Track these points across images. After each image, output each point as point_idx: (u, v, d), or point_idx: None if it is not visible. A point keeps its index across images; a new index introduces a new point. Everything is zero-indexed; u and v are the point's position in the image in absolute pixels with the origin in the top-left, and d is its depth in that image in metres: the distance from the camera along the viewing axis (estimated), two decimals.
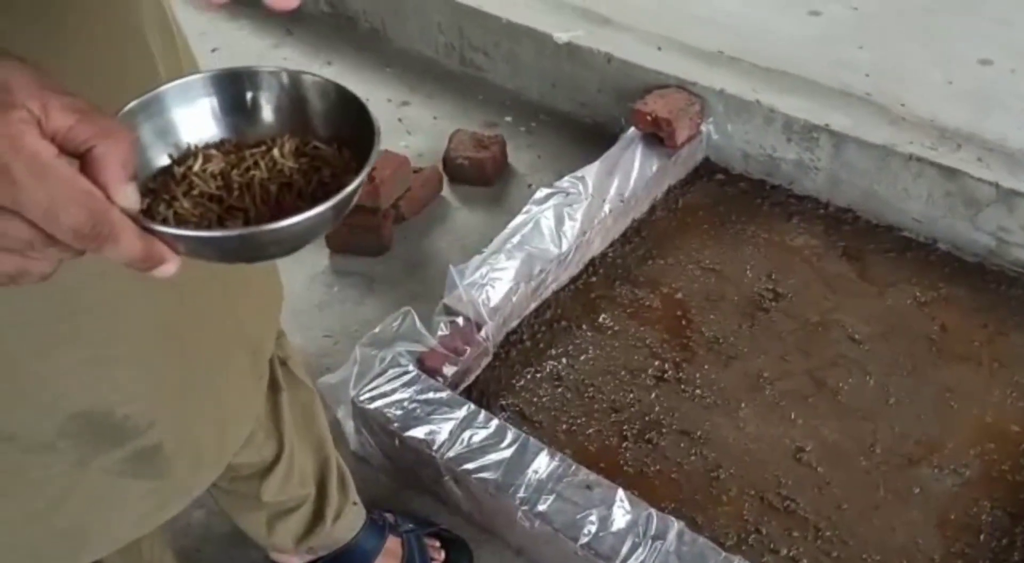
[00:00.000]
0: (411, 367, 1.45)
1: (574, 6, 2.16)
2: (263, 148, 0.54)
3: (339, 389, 1.44)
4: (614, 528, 1.24)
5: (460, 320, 1.53)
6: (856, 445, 1.45)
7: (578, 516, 1.26)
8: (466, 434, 1.36)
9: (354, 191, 0.49)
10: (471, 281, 1.58)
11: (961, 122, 1.77)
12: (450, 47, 2.31)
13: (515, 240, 1.66)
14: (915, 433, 1.46)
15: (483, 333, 1.54)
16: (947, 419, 1.48)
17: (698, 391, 1.53)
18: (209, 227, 0.51)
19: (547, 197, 1.74)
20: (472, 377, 1.55)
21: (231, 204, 0.52)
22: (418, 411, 1.38)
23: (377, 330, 1.51)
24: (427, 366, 1.47)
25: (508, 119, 2.19)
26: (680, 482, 1.41)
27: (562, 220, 1.70)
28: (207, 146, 0.55)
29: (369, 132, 0.52)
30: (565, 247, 1.67)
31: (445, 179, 2.00)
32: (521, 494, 1.29)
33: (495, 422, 1.37)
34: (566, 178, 1.78)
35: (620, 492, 1.28)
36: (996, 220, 1.67)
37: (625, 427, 1.48)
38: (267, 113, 0.56)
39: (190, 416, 0.78)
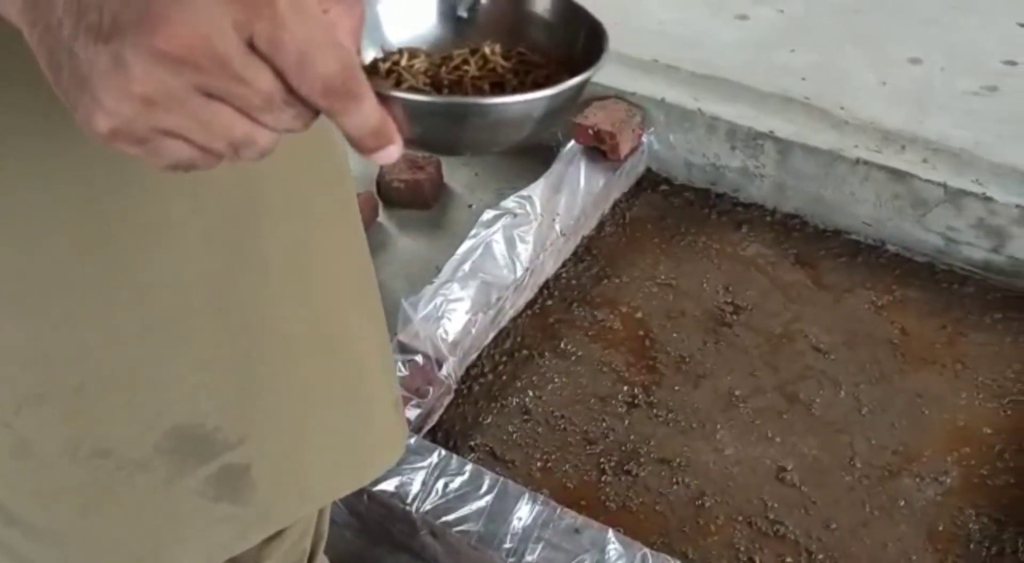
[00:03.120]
0: None
1: None
2: (467, 50, 0.52)
3: None
4: None
5: (419, 358, 1.44)
6: (836, 460, 1.42)
7: None
8: (440, 483, 1.27)
9: (583, 83, 0.46)
10: (425, 314, 1.49)
11: (901, 123, 1.76)
12: None
13: (466, 267, 1.58)
14: (891, 443, 1.44)
15: (444, 370, 1.44)
16: (920, 426, 1.46)
17: (671, 415, 1.47)
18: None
19: (494, 219, 1.66)
20: (436, 418, 1.46)
21: None
22: None
23: None
24: None
25: None
26: (666, 514, 1.35)
27: (513, 243, 1.62)
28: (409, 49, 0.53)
29: (593, 38, 0.50)
30: (520, 272, 1.59)
31: (380, 204, 1.90)
32: (507, 545, 1.20)
33: (469, 467, 1.29)
34: (511, 198, 1.70)
35: (611, 533, 1.21)
36: (944, 220, 1.68)
37: (602, 459, 1.41)
38: (470, 22, 0.54)
39: (283, 442, 0.71)
